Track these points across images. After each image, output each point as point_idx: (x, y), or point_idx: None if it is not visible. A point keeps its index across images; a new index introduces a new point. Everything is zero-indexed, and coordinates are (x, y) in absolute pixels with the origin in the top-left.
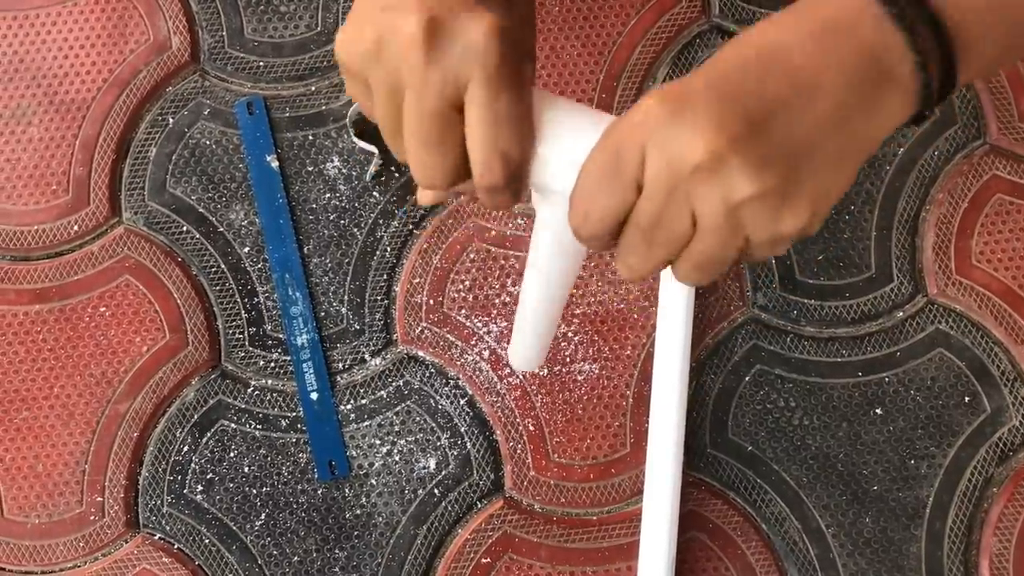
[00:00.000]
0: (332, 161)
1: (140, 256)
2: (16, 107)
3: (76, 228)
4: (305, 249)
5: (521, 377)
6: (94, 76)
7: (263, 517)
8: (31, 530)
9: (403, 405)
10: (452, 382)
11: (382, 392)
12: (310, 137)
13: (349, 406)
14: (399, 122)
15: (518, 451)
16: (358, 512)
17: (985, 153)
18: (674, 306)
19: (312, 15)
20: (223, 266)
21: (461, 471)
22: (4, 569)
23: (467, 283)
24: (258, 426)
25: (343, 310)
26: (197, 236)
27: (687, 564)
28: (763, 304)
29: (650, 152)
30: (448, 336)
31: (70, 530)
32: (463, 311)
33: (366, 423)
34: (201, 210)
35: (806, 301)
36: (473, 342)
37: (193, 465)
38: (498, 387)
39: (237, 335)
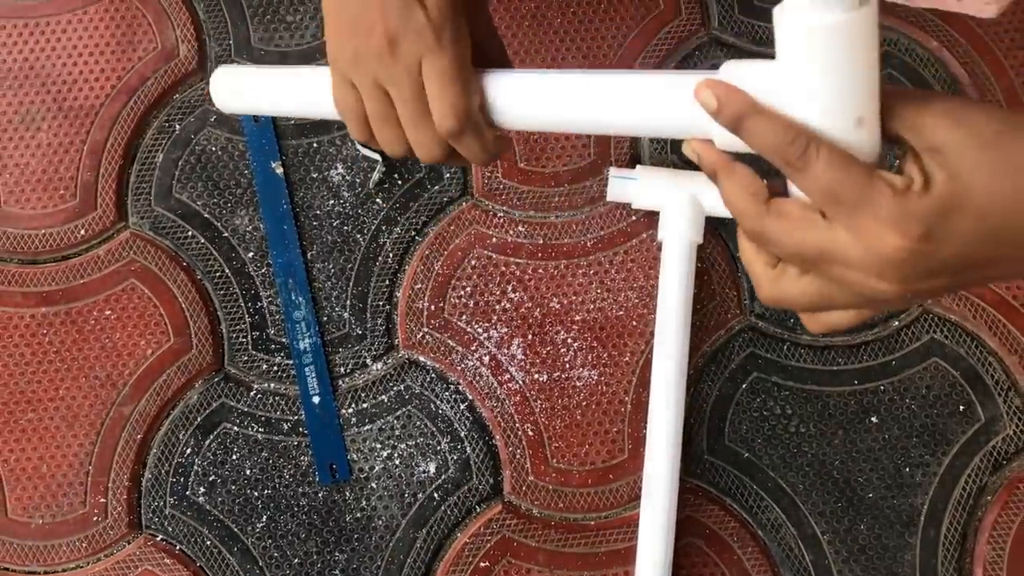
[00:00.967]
0: (336, 168)
1: (146, 260)
2: (25, 113)
3: (83, 232)
4: (308, 254)
5: (520, 383)
6: (103, 83)
7: (264, 519)
8: (35, 530)
9: (404, 409)
10: (452, 387)
11: (383, 396)
12: (315, 144)
13: (350, 410)
14: (385, 111)
15: (517, 456)
16: (358, 515)
17: None
18: (672, 314)
19: (318, 25)
20: (227, 271)
21: (461, 475)
22: (8, 569)
23: (468, 289)
24: (260, 429)
25: (345, 315)
26: (202, 241)
27: (684, 570)
28: (760, 312)
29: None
30: (449, 341)
31: (73, 531)
32: (464, 317)
33: (367, 427)
34: (206, 215)
35: None
36: (473, 348)
37: (196, 467)
38: (498, 392)
39: (240, 339)
